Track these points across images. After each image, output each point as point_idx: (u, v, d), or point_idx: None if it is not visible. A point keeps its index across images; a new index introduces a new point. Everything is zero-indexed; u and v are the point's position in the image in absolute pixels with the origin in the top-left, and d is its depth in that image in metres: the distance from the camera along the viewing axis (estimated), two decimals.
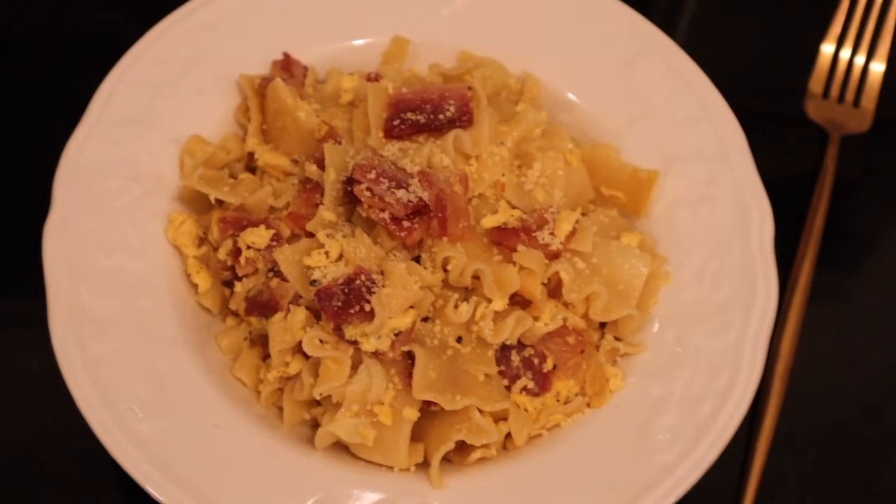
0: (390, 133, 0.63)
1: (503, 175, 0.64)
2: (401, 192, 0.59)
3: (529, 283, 0.60)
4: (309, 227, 0.62)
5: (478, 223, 0.62)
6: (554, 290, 0.62)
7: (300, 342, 0.59)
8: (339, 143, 0.64)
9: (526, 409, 0.61)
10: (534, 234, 0.61)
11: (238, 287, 0.63)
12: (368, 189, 0.59)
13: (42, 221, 0.61)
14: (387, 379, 0.58)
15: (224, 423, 0.58)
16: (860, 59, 0.82)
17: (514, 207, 0.63)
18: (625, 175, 0.67)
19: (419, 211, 0.59)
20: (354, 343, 0.58)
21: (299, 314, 0.59)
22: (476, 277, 0.60)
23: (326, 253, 0.60)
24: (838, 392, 0.72)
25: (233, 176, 0.67)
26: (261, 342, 0.63)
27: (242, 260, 0.62)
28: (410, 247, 0.61)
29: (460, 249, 0.60)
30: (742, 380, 0.60)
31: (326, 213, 0.61)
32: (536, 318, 0.61)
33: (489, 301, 0.60)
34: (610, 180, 0.67)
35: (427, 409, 0.59)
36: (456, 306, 0.60)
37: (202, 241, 0.65)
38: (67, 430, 0.61)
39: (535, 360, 0.61)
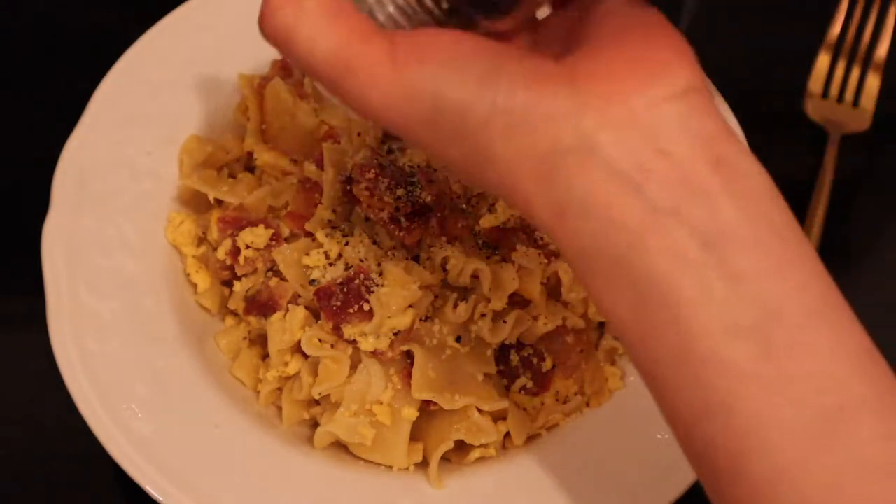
0: (389, 132, 0.63)
1: None
2: (400, 192, 0.59)
3: (528, 282, 0.60)
4: (308, 226, 0.62)
5: (476, 223, 0.62)
6: (553, 289, 0.62)
7: (299, 342, 0.59)
8: (339, 142, 0.64)
9: (525, 409, 0.61)
10: (533, 234, 0.61)
11: (237, 286, 0.63)
12: (367, 188, 0.59)
13: (41, 221, 0.61)
14: (386, 378, 0.58)
15: (223, 423, 0.58)
16: (859, 59, 0.82)
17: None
18: None
19: (418, 210, 0.59)
20: (353, 342, 0.58)
21: (298, 314, 0.59)
22: (475, 277, 0.60)
23: (325, 252, 0.60)
24: None
25: (232, 175, 0.67)
26: (260, 342, 0.63)
27: (241, 259, 0.62)
28: (409, 246, 0.61)
29: (459, 249, 0.60)
30: None
31: (325, 212, 0.61)
32: (535, 318, 0.61)
33: (488, 301, 0.60)
34: None
35: (426, 408, 0.59)
36: (455, 306, 0.60)
37: (201, 240, 0.65)
38: (67, 431, 0.61)
39: (534, 360, 0.61)
